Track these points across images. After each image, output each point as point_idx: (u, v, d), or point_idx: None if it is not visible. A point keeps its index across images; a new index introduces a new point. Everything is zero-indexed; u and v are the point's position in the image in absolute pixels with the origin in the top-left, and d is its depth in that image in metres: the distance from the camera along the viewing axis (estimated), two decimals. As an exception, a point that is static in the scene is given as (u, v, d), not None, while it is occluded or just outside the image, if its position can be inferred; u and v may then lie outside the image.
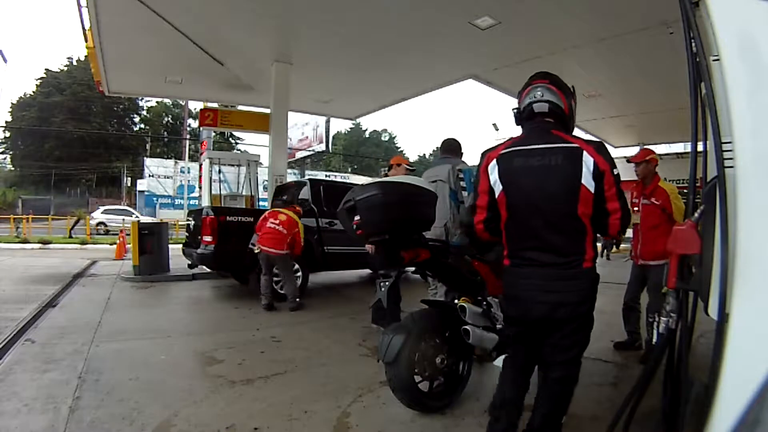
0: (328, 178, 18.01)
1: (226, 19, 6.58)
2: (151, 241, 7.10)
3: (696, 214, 1.31)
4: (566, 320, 1.68)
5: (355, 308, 5.07)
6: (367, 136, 54.56)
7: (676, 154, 13.69)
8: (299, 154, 25.19)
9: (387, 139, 56.15)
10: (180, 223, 16.01)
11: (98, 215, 20.19)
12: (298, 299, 5.13)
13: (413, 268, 2.47)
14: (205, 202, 10.25)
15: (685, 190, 1.71)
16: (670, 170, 4.68)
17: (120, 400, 2.47)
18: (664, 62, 6.86)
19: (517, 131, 1.88)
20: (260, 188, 11.94)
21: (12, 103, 36.68)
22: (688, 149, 3.02)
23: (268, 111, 9.40)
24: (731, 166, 1.05)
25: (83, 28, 6.84)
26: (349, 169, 44.81)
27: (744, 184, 0.99)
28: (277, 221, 5.01)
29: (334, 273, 7.37)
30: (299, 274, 5.62)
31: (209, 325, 4.50)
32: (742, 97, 1.02)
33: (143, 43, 7.41)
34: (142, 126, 40.93)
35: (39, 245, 12.58)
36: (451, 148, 3.59)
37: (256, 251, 5.05)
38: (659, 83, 8.39)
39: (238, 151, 27.94)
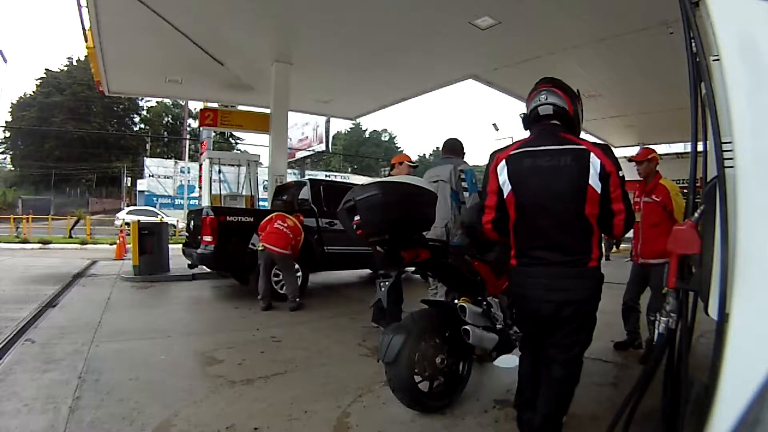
0: (328, 178, 17.99)
1: (226, 19, 6.58)
2: (151, 241, 7.11)
3: (696, 214, 1.31)
4: (569, 318, 1.69)
5: (355, 308, 5.07)
6: (367, 136, 54.56)
7: (676, 154, 13.64)
8: (299, 154, 25.23)
9: (387, 139, 56.17)
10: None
11: (123, 215, 20.24)
12: (298, 299, 5.14)
13: (413, 268, 2.48)
14: (205, 202, 10.23)
15: (685, 190, 1.71)
16: (670, 170, 4.67)
17: (120, 400, 2.47)
18: (664, 62, 6.87)
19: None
20: (260, 188, 11.91)
21: (12, 103, 36.80)
22: (688, 149, 3.02)
23: (268, 111, 9.41)
24: (731, 166, 1.05)
25: (83, 28, 6.85)
26: (349, 169, 44.80)
27: (744, 184, 0.99)
28: (285, 225, 5.12)
29: (334, 273, 7.38)
30: (299, 274, 5.63)
31: (209, 325, 4.50)
32: (742, 97, 1.01)
33: (143, 43, 7.42)
34: (142, 126, 40.93)
35: (39, 245, 12.59)
36: (453, 148, 3.58)
37: (260, 248, 5.07)
38: (659, 83, 8.39)
39: (238, 151, 27.89)
